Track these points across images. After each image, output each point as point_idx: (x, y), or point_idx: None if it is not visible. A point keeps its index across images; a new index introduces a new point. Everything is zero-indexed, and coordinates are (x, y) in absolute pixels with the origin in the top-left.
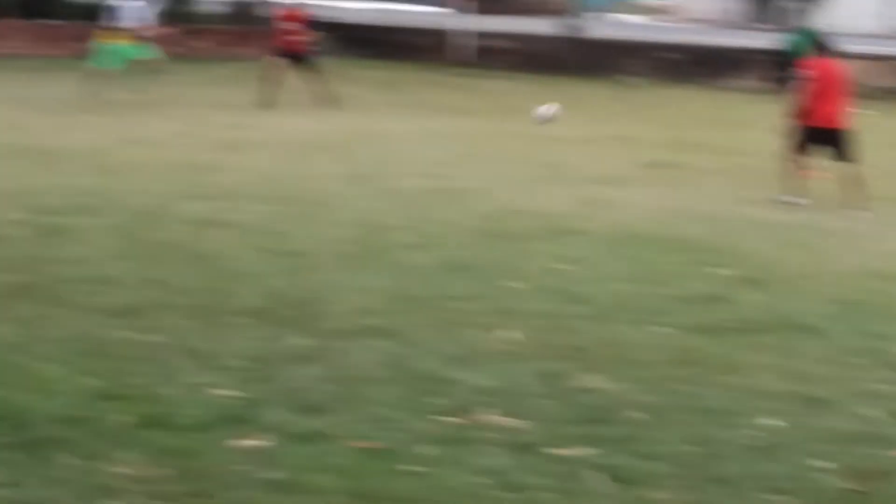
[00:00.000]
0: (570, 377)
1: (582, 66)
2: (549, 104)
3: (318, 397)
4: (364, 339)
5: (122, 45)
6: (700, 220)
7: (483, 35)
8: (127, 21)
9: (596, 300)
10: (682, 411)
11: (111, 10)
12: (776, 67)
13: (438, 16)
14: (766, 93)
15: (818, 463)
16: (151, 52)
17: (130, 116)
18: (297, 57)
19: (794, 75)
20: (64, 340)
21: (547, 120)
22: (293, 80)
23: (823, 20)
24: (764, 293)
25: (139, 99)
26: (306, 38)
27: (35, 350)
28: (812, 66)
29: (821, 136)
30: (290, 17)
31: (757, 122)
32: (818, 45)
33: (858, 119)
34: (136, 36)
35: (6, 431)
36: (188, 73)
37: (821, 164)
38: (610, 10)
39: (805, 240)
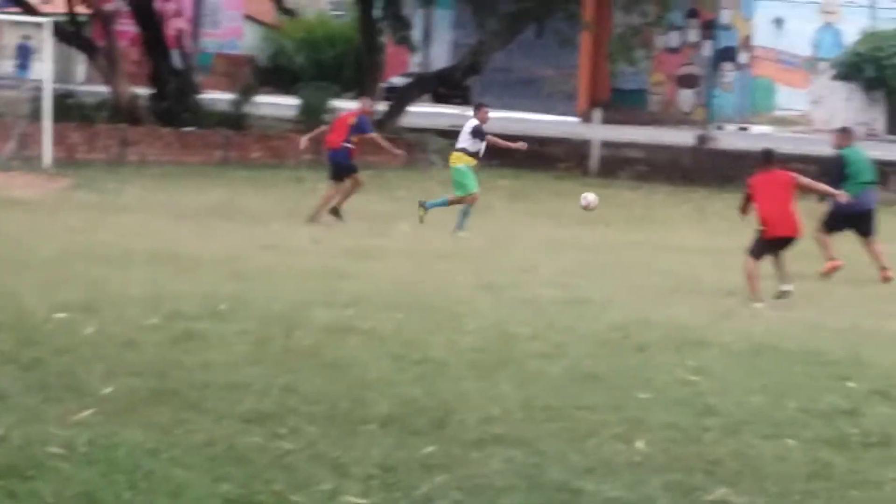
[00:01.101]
0: (700, 490)
1: (710, 176)
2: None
3: None
4: (494, 447)
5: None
6: (829, 331)
7: (610, 145)
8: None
9: (725, 412)
10: None
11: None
12: None
13: (564, 125)
14: None
15: None
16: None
17: (266, 223)
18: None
19: None
20: (197, 446)
21: (588, 207)
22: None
23: None
24: (895, 406)
25: (276, 206)
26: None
27: (169, 455)
28: None
29: None
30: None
31: (888, 233)
32: None
33: None
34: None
35: None
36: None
37: None
38: (742, 121)
39: None
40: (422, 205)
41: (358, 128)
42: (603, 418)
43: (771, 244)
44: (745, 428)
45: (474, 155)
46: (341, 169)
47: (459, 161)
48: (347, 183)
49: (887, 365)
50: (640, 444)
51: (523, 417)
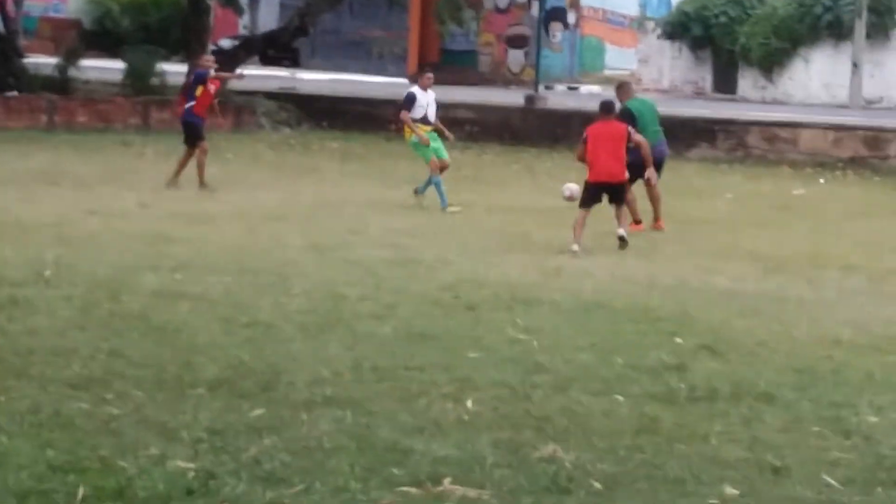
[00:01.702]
0: (529, 447)
1: (539, 136)
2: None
3: (277, 468)
4: (323, 409)
5: None
6: (659, 288)
7: (440, 105)
8: None
9: (554, 369)
10: (641, 480)
11: None
12: None
13: (395, 86)
14: (725, 162)
15: None
16: None
17: (92, 188)
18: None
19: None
20: (22, 413)
21: (566, 197)
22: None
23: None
24: (721, 362)
25: (102, 171)
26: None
27: None
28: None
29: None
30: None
31: (715, 190)
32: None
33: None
34: None
35: None
36: (148, 144)
37: None
38: (571, 81)
39: (763, 308)
40: (415, 191)
41: (196, 81)
42: (433, 378)
43: (594, 189)
44: (574, 385)
45: (422, 121)
46: (190, 129)
47: (406, 134)
48: (197, 151)
49: (714, 321)
50: (469, 403)
51: (353, 378)
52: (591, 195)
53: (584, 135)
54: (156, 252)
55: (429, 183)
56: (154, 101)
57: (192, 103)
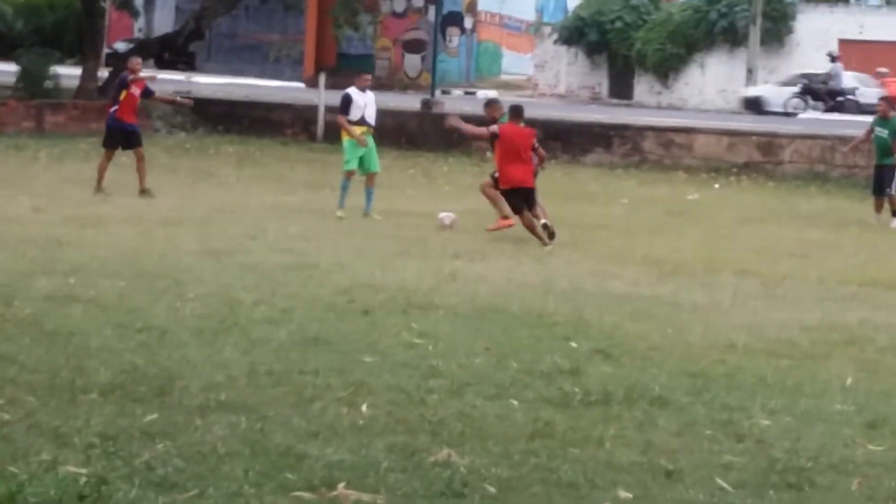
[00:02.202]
0: (424, 451)
1: (436, 140)
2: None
3: (170, 474)
4: (218, 414)
5: None
6: (554, 293)
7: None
8: None
9: (449, 374)
10: (536, 484)
11: None
12: None
13: (291, 90)
14: (620, 167)
15: None
16: None
17: None
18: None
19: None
20: None
21: (446, 226)
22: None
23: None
24: (615, 366)
25: None
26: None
27: None
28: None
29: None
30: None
31: (610, 196)
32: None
33: (712, 194)
34: None
35: None
36: (42, 148)
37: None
38: (468, 86)
39: (656, 312)
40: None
41: (119, 85)
42: (328, 382)
43: (510, 195)
44: (469, 389)
45: (359, 122)
46: (109, 132)
47: (343, 135)
48: (137, 156)
49: (608, 325)
50: (364, 408)
51: (248, 383)
52: (514, 200)
53: (496, 129)
54: (49, 256)
55: (368, 197)
56: (48, 104)
57: (116, 107)
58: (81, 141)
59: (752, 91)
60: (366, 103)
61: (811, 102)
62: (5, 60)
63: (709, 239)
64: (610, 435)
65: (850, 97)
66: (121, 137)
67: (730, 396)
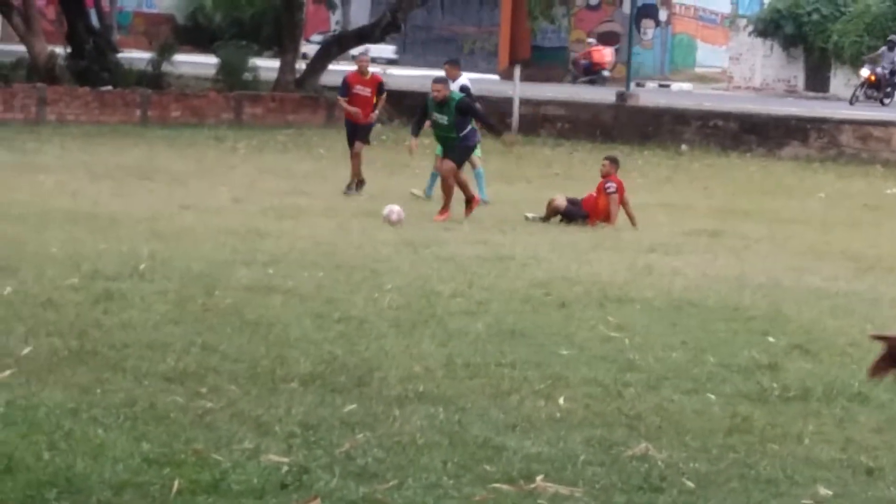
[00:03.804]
0: (621, 445)
1: (630, 133)
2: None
3: (370, 464)
4: (416, 405)
5: None
6: (750, 287)
7: (531, 102)
8: None
9: (646, 367)
10: (734, 479)
11: None
12: None
13: (486, 82)
14: (817, 161)
15: None
16: None
17: (185, 183)
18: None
19: None
20: (118, 406)
21: (393, 223)
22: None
23: None
24: (814, 361)
25: (195, 166)
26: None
27: (90, 415)
28: None
29: None
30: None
31: (807, 190)
32: None
33: None
34: None
35: (61, 497)
36: (241, 139)
37: None
38: (662, 79)
39: (855, 308)
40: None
41: (343, 87)
42: (524, 375)
43: None
44: (666, 383)
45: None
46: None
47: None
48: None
49: (806, 320)
50: (562, 401)
51: (445, 375)
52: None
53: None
54: (249, 247)
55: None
56: (247, 96)
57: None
58: (279, 133)
59: None
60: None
61: None
62: (205, 53)
63: None
64: (809, 431)
65: None
66: (351, 133)
67: None
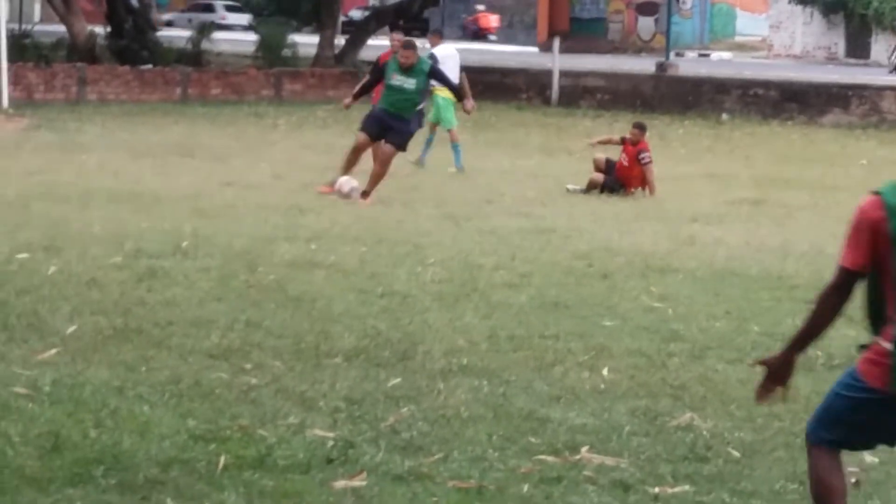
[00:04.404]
0: (666, 415)
1: (671, 103)
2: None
3: (415, 437)
4: (460, 378)
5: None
6: (793, 256)
7: (570, 74)
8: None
9: (690, 338)
10: (779, 448)
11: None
12: None
13: (525, 55)
14: (859, 127)
15: None
16: None
17: (226, 160)
18: None
19: None
20: (163, 383)
21: (345, 195)
22: None
23: None
24: (858, 329)
25: (236, 142)
26: None
27: (135, 392)
28: None
29: None
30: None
31: (849, 157)
32: None
33: None
34: None
35: (108, 474)
36: (281, 115)
37: None
38: (702, 48)
39: None
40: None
41: (374, 69)
42: (568, 346)
43: None
44: (710, 353)
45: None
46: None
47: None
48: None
49: None
50: (605, 372)
51: (488, 348)
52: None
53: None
54: (291, 223)
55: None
56: (286, 72)
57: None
58: (319, 108)
59: None
60: None
61: None
62: (245, 30)
63: None
64: None
65: None
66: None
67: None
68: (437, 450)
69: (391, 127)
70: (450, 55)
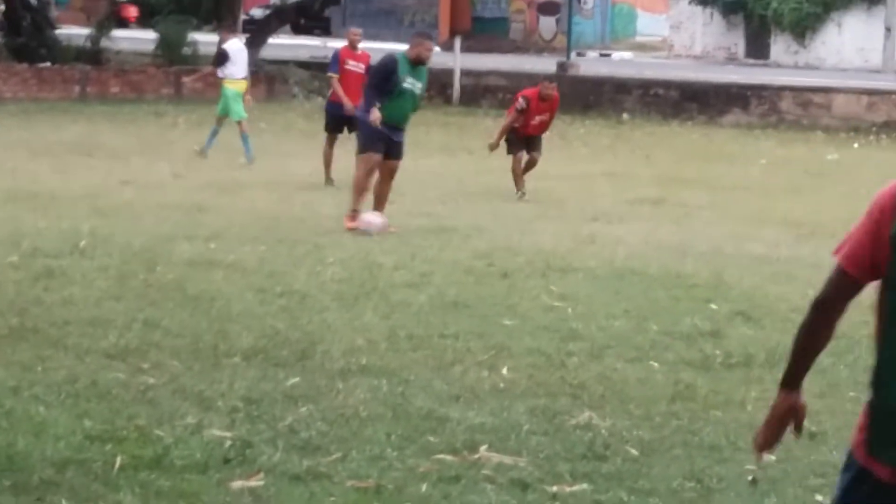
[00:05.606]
0: (565, 414)
1: (572, 103)
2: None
3: (313, 437)
4: (359, 377)
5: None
6: (692, 255)
7: (472, 73)
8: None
9: (589, 336)
10: (677, 447)
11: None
12: None
13: None
14: (758, 127)
15: (814, 497)
16: None
17: (126, 159)
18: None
19: None
20: (59, 383)
21: (378, 229)
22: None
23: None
24: (756, 328)
25: (136, 141)
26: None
27: (31, 393)
28: None
29: None
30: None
31: (748, 157)
32: None
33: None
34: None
35: (2, 476)
36: (181, 114)
37: None
38: (603, 48)
39: (797, 274)
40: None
41: (333, 62)
42: (468, 346)
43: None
44: (609, 352)
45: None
46: (334, 117)
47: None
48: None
49: (748, 286)
50: (505, 371)
51: (388, 347)
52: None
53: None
54: (190, 222)
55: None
56: (186, 70)
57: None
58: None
59: None
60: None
61: None
62: (144, 28)
63: (848, 199)
64: (752, 397)
65: None
66: (344, 120)
67: (872, 358)
68: (336, 449)
69: (396, 142)
70: (239, 49)
